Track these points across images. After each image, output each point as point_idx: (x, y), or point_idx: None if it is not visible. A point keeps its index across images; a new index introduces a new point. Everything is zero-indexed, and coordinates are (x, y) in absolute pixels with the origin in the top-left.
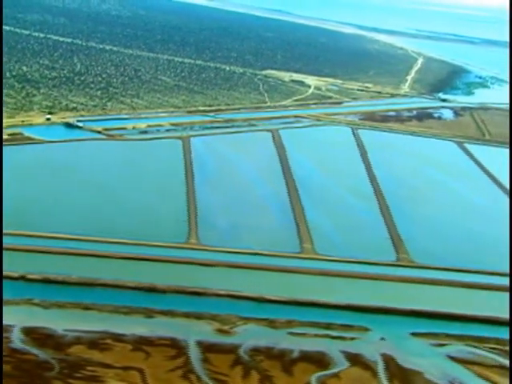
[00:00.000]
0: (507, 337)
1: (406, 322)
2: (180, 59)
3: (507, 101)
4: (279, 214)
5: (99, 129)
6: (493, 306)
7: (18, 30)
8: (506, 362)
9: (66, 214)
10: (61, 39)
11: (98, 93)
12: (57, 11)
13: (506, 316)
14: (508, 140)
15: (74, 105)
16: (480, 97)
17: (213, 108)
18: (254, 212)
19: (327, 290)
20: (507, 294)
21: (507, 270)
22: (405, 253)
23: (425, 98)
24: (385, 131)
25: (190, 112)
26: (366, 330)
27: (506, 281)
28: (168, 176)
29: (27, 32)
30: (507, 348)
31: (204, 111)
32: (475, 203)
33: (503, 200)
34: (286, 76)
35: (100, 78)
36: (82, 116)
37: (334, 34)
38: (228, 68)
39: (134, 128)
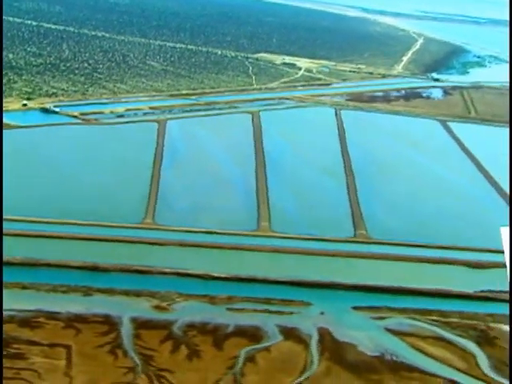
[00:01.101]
0: (451, 309)
1: (350, 296)
2: (172, 44)
3: (502, 79)
4: (242, 194)
5: (76, 113)
6: (442, 279)
7: (10, 19)
8: (443, 333)
9: (20, 197)
10: (53, 27)
11: (82, 78)
12: (54, 0)
13: (453, 289)
14: (493, 117)
15: (55, 90)
16: (474, 76)
17: (197, 91)
18: (217, 193)
19: (276, 267)
20: (458, 267)
21: (463, 244)
22: (363, 229)
23: (417, 78)
24: (369, 111)
25: (172, 96)
26: (308, 304)
27: (459, 255)
28: (135, 159)
29: (19, 20)
30: (448, 319)
31: (187, 94)
32: (446, 180)
33: (475, 176)
34: (279, 59)
35: (86, 64)
36: (61, 101)
37: (338, 17)
38: (220, 52)
39: (111, 112)
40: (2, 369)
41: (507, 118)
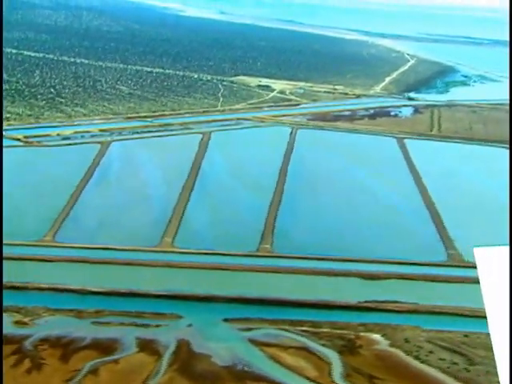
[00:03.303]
0: (326, 319)
1: (226, 309)
2: (150, 69)
3: (480, 97)
4: (158, 212)
5: (19, 136)
6: (330, 290)
7: None
8: (308, 343)
9: None
10: (32, 54)
11: (42, 103)
12: (43, 29)
13: (337, 300)
14: (454, 134)
15: (8, 115)
16: (453, 95)
17: (156, 114)
18: (132, 211)
19: (165, 281)
20: (352, 279)
21: (371, 257)
22: (268, 243)
23: (392, 98)
24: (327, 130)
25: (128, 118)
26: (179, 317)
27: (357, 266)
28: (62, 179)
29: None
30: (319, 330)
31: (145, 117)
32: (377, 195)
33: (410, 192)
34: (255, 81)
35: (52, 90)
36: (10, 125)
37: (333, 40)
38: (196, 76)
39: (58, 135)
40: (2, 369)
41: (468, 135)
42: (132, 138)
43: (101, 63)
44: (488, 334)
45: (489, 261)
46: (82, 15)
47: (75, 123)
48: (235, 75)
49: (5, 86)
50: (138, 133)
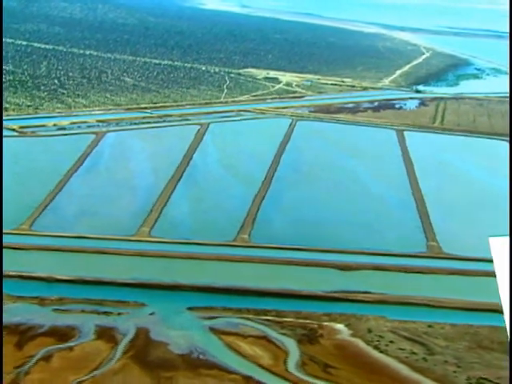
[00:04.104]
0: (292, 309)
1: (191, 297)
2: (158, 61)
3: (490, 90)
4: (140, 202)
5: (15, 127)
6: (302, 280)
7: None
8: (269, 332)
9: None
10: (42, 46)
11: (44, 94)
12: (58, 21)
13: (305, 289)
14: (456, 126)
15: (8, 105)
16: (462, 87)
17: (157, 105)
18: (115, 201)
19: (136, 270)
20: (326, 269)
21: (348, 248)
22: (246, 234)
23: (399, 91)
24: (328, 122)
25: (128, 109)
26: (142, 305)
27: (333, 257)
28: (51, 168)
29: (10, 40)
30: (282, 319)
31: (145, 108)
32: (367, 186)
33: (401, 184)
34: (263, 73)
35: (56, 81)
36: (8, 116)
37: (350, 33)
38: (204, 68)
39: (54, 125)
40: (2, 369)
41: (471, 127)
42: (128, 129)
43: (110, 55)
44: (452, 325)
45: (503, 250)
46: (98, 8)
47: (73, 114)
48: (244, 67)
49: (9, 77)
50: (135, 123)
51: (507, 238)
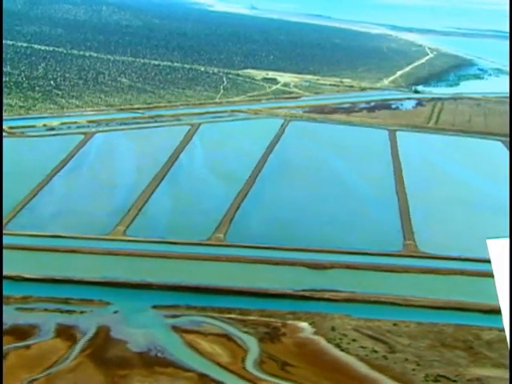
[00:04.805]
0: (257, 307)
1: (157, 296)
2: (157, 62)
3: (489, 90)
4: (120, 201)
5: (4, 127)
6: (270, 279)
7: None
8: (231, 330)
9: None
10: (42, 48)
11: (38, 95)
12: (61, 23)
13: (273, 288)
14: (451, 126)
15: None
16: (462, 88)
17: (150, 106)
18: (94, 201)
19: (104, 269)
20: (297, 268)
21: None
22: (222, 233)
23: (398, 91)
24: (321, 122)
25: (121, 110)
26: (107, 304)
27: (304, 256)
28: (33, 169)
29: (11, 42)
30: (246, 317)
31: (138, 109)
32: (351, 186)
33: (386, 184)
34: (261, 74)
35: (52, 82)
36: None
37: (356, 34)
38: (203, 69)
39: (44, 126)
40: (2, 369)
41: (465, 127)
42: (118, 130)
43: (109, 56)
44: (417, 323)
45: (502, 252)
46: (102, 10)
47: (65, 114)
48: (243, 68)
49: (5, 78)
50: (125, 124)
51: (507, 240)
